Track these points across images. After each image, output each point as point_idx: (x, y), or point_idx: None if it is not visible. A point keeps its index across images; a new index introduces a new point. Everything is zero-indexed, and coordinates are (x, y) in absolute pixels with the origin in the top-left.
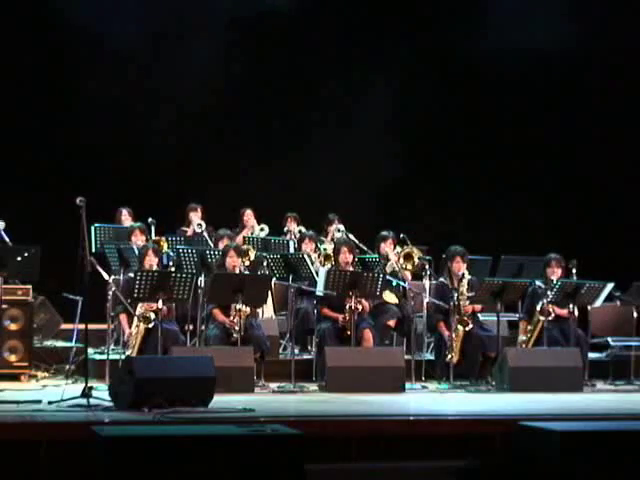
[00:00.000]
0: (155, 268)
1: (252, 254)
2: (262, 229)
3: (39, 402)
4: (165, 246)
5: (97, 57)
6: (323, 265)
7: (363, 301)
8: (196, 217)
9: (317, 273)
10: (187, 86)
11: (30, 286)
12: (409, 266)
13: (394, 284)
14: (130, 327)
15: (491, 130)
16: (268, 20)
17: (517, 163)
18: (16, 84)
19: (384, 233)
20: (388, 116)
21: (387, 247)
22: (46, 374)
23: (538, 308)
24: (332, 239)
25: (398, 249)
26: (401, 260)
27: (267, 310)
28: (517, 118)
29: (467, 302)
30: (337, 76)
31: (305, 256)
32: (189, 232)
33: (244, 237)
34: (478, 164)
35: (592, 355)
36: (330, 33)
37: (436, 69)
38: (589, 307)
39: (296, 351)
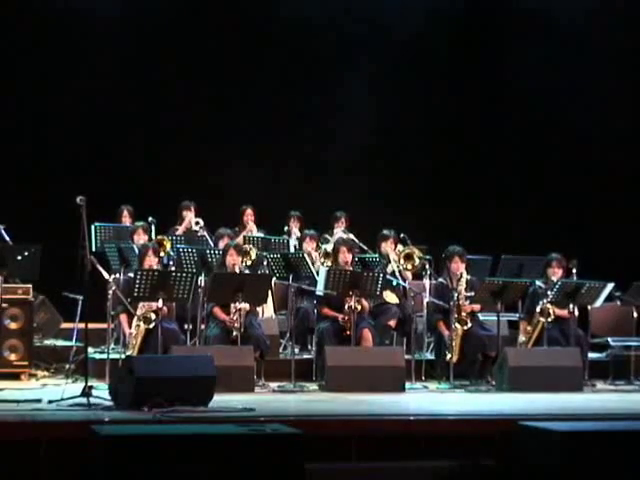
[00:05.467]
0: (155, 267)
1: (253, 254)
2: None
3: (39, 401)
4: (168, 246)
5: (96, 56)
6: (322, 263)
7: (363, 301)
8: (190, 215)
9: (318, 272)
10: (187, 86)
11: (30, 285)
12: (409, 266)
13: (394, 284)
14: (130, 327)
15: (492, 131)
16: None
17: (518, 163)
18: (15, 84)
19: (385, 232)
20: (389, 115)
21: (388, 247)
22: (46, 373)
23: (538, 309)
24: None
25: (400, 248)
26: (401, 260)
27: (267, 309)
28: (517, 119)
29: (466, 302)
30: (337, 75)
31: (305, 255)
32: (180, 230)
33: (244, 237)
34: (479, 164)
35: (592, 355)
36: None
37: (439, 69)
38: (589, 307)
39: (296, 350)
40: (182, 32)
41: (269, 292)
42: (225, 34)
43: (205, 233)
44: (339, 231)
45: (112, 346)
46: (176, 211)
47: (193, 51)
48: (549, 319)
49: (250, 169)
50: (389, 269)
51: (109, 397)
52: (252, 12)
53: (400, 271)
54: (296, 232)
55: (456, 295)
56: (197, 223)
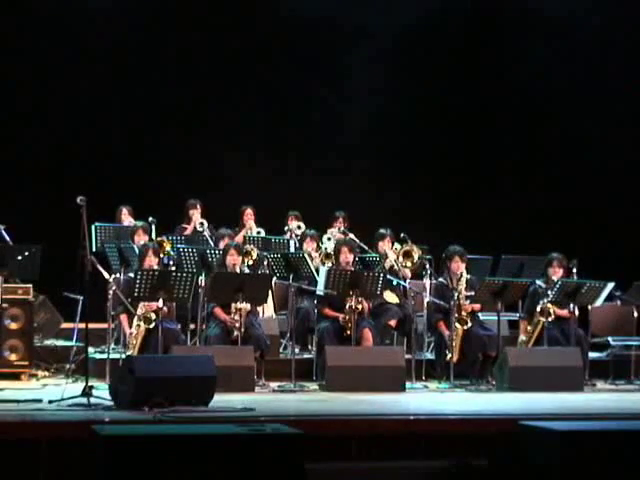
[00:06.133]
0: (155, 267)
1: (254, 253)
2: (259, 232)
3: (39, 401)
4: (168, 247)
5: (96, 56)
6: (323, 264)
7: (364, 301)
8: (197, 214)
9: (318, 272)
10: (187, 85)
11: (30, 285)
12: (409, 264)
13: (394, 283)
14: (130, 327)
15: (491, 130)
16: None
17: (517, 163)
18: (15, 84)
19: (382, 231)
20: (389, 115)
21: (385, 245)
22: (46, 373)
23: (538, 309)
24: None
25: (397, 246)
26: (400, 258)
27: (267, 309)
28: (517, 119)
29: (467, 301)
30: (337, 76)
31: (305, 255)
32: (188, 230)
33: (245, 236)
34: (478, 164)
35: (592, 355)
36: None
37: (437, 67)
38: (589, 307)
39: (296, 350)
40: (182, 32)
41: (269, 292)
42: (225, 34)
43: (207, 233)
44: (334, 231)
45: (112, 346)
46: (176, 210)
47: (193, 51)
48: (549, 319)
49: (250, 169)
50: (387, 265)
51: (109, 397)
52: (252, 10)
53: (399, 269)
54: (295, 225)
55: (456, 295)
56: (201, 224)
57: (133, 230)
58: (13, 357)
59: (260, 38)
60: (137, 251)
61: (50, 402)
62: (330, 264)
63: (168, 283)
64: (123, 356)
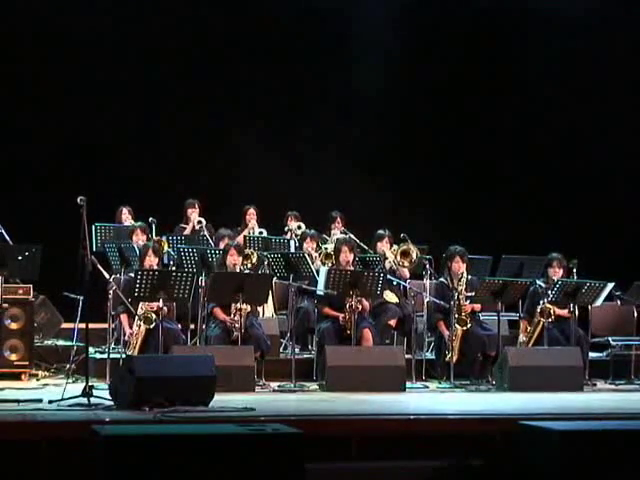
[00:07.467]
0: (155, 267)
1: (254, 258)
2: (261, 232)
3: (40, 401)
4: (166, 246)
5: (96, 54)
6: (324, 264)
7: (364, 301)
8: (195, 214)
9: (318, 272)
10: (186, 84)
11: (31, 285)
12: (406, 263)
13: (394, 283)
14: (131, 327)
15: (491, 130)
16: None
17: (517, 163)
18: (15, 83)
19: (380, 232)
20: (389, 115)
21: (383, 246)
22: (47, 373)
23: (538, 309)
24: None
25: (395, 247)
26: (398, 257)
27: (268, 309)
28: (517, 118)
29: (467, 302)
30: (335, 74)
31: (306, 255)
32: (187, 230)
33: (245, 237)
34: (478, 164)
35: (592, 354)
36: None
37: (437, 67)
38: (589, 307)
39: (296, 350)
40: (182, 31)
41: (269, 292)
42: (225, 33)
43: (206, 233)
44: (337, 232)
45: (112, 346)
46: (176, 210)
47: (193, 50)
48: (549, 319)
49: (251, 169)
50: (387, 266)
51: (109, 397)
52: (252, 10)
53: (397, 269)
54: (295, 226)
55: (456, 295)
56: (199, 222)
57: (131, 230)
58: (13, 357)
59: (260, 38)
60: (137, 251)
61: (50, 402)
62: (330, 264)
63: (168, 283)
64: (123, 356)
